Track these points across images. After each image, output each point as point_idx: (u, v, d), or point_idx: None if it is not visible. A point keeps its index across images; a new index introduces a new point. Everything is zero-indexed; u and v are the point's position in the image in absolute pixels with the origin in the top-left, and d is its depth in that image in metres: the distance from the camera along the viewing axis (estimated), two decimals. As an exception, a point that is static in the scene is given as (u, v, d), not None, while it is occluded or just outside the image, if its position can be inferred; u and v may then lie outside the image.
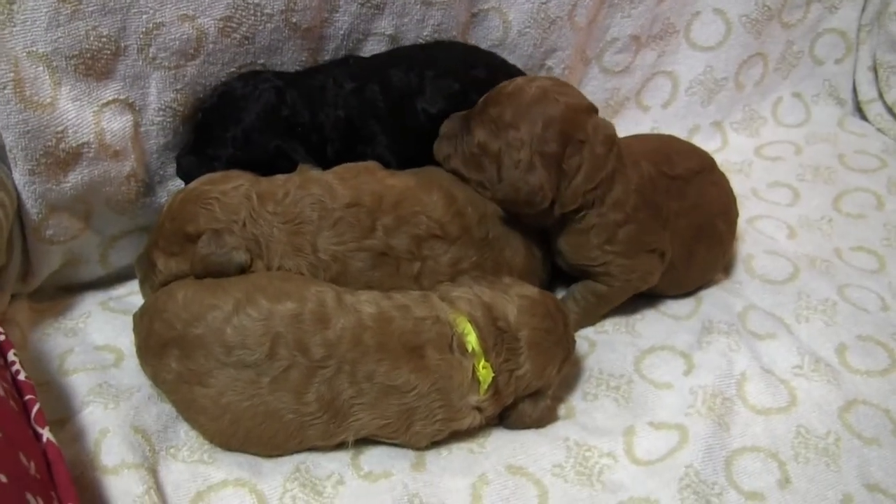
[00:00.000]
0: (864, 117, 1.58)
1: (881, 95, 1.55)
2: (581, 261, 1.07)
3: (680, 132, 1.44)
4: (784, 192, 1.40)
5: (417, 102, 1.11)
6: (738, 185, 1.37)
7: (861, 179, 1.42)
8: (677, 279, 1.12)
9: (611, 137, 1.03)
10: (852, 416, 1.00)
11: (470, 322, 0.94)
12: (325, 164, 1.06)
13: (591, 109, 1.04)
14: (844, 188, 1.40)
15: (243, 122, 1.06)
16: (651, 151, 1.10)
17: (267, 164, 1.05)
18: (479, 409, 0.93)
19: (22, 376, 0.86)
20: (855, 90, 1.58)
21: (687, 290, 1.16)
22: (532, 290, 0.99)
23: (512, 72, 1.17)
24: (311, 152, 1.08)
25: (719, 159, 1.40)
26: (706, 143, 1.44)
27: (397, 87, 1.10)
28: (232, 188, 1.00)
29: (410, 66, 1.09)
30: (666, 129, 1.41)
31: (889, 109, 1.54)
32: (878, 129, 1.55)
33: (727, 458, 0.95)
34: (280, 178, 1.02)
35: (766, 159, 1.48)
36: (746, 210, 1.33)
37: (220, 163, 1.05)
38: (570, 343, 1.00)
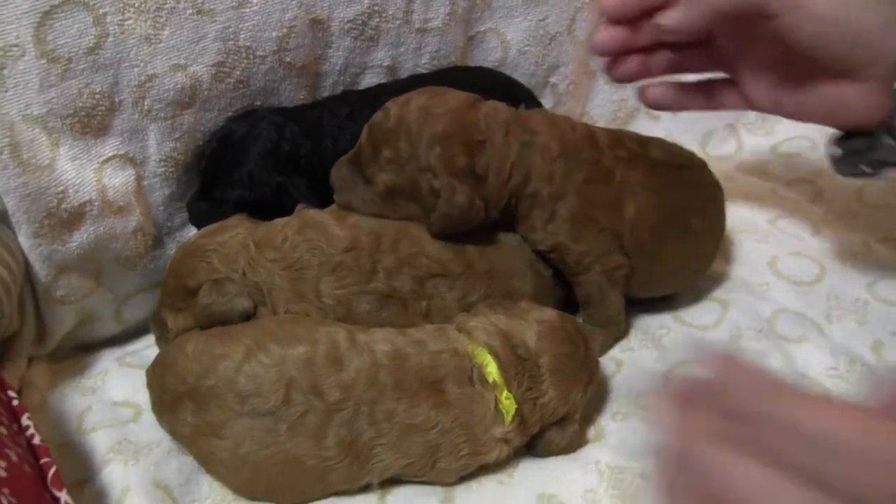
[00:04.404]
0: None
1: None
2: (537, 246, 1.04)
3: (693, 138, 1.43)
4: (805, 189, 1.37)
5: None
6: (757, 186, 1.35)
7: None
8: (653, 269, 1.07)
9: (504, 121, 1.00)
10: None
11: (489, 352, 0.92)
12: (328, 197, 1.06)
13: (476, 101, 1.01)
14: (866, 180, 1.36)
15: (246, 162, 1.05)
16: (628, 133, 1.09)
17: (272, 203, 1.05)
18: (505, 440, 0.91)
19: (37, 440, 0.85)
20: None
21: (659, 287, 1.12)
22: (551, 314, 0.97)
23: (515, 89, 1.16)
24: (316, 187, 1.07)
25: (735, 162, 1.38)
26: (721, 147, 1.44)
27: None
28: (229, 238, 0.99)
29: (401, 93, 1.06)
30: (679, 137, 1.39)
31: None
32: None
33: None
34: (279, 222, 1.01)
35: (783, 156, 1.45)
36: (768, 211, 1.31)
37: (228, 205, 1.05)
38: (594, 365, 0.98)
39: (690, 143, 1.40)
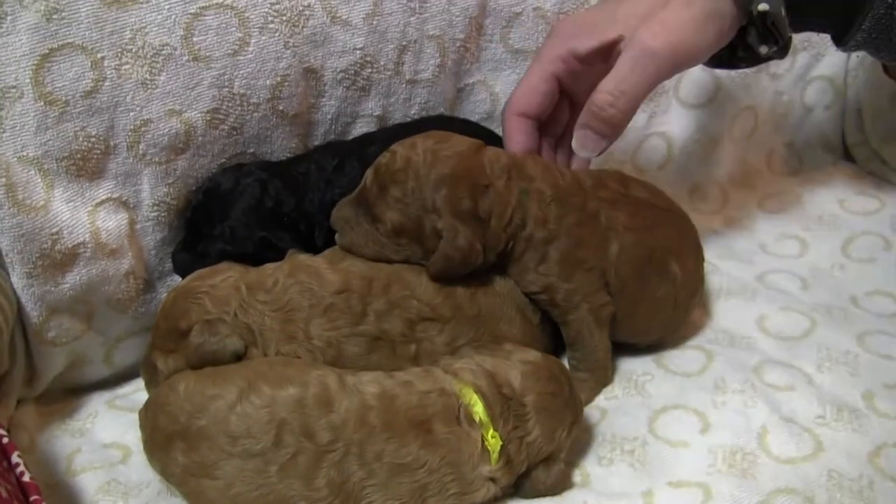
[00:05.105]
0: (853, 159, 1.57)
1: (867, 140, 1.55)
2: (527, 288, 1.06)
3: (680, 192, 1.44)
4: (791, 244, 1.39)
5: None
6: (744, 241, 1.38)
7: (865, 223, 1.41)
8: (631, 310, 1.09)
9: (505, 166, 1.03)
10: (883, 460, 0.96)
11: (475, 392, 0.92)
12: (315, 252, 1.07)
13: (480, 147, 1.04)
14: (850, 234, 1.39)
15: (229, 217, 1.07)
16: (610, 174, 1.13)
17: (255, 256, 1.06)
18: (492, 479, 0.91)
19: (26, 478, 0.85)
20: (843, 134, 1.57)
21: (640, 329, 1.12)
22: (535, 355, 0.98)
23: (494, 140, 1.17)
24: (300, 240, 1.09)
25: (721, 218, 1.39)
26: (707, 202, 1.46)
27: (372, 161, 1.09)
28: (221, 280, 1.00)
29: (388, 141, 1.08)
30: (664, 189, 1.40)
31: (876, 153, 1.54)
32: (869, 172, 1.54)
33: (761, 501, 0.92)
34: (270, 266, 1.03)
35: (768, 213, 1.47)
36: (756, 266, 1.31)
37: (211, 258, 1.06)
38: (578, 405, 0.98)
39: (678, 197, 1.42)
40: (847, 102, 1.55)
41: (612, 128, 1.02)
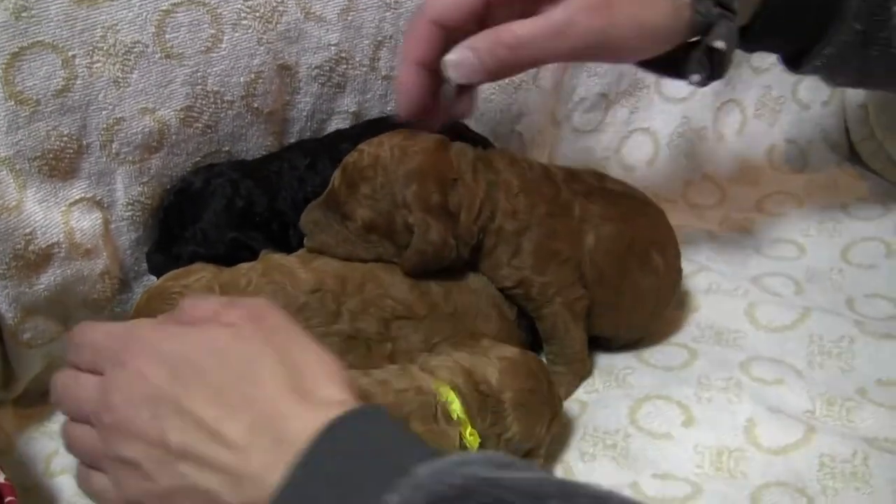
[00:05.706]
0: (858, 158, 1.54)
1: (873, 133, 1.52)
2: (501, 283, 1.05)
3: (673, 187, 1.44)
4: (789, 248, 1.36)
5: None
6: (741, 241, 1.36)
7: (867, 228, 1.38)
8: (611, 302, 1.08)
9: (472, 160, 1.02)
10: (882, 442, 0.96)
11: (452, 389, 0.92)
12: (289, 251, 1.06)
13: (446, 142, 1.03)
14: (851, 239, 1.36)
15: (200, 219, 1.07)
16: (584, 170, 1.12)
17: (228, 257, 1.05)
18: (470, 478, 0.91)
19: (1, 478, 0.85)
20: (847, 131, 1.55)
21: (621, 323, 1.12)
22: (512, 351, 0.97)
23: (469, 135, 1.17)
24: (273, 240, 1.09)
25: (720, 214, 1.38)
26: (702, 197, 1.45)
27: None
28: (194, 281, 1.00)
29: (360, 138, 1.07)
30: (657, 186, 1.39)
31: (882, 146, 1.51)
32: (874, 171, 1.52)
33: (752, 494, 0.91)
34: (244, 266, 1.02)
35: (767, 215, 1.44)
36: (749, 268, 1.30)
37: (184, 260, 1.06)
38: (557, 401, 0.98)
39: (671, 193, 1.42)
40: (847, 97, 1.53)
41: (497, 69, 0.91)
